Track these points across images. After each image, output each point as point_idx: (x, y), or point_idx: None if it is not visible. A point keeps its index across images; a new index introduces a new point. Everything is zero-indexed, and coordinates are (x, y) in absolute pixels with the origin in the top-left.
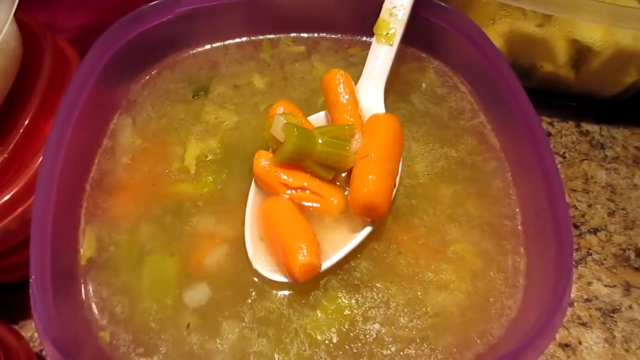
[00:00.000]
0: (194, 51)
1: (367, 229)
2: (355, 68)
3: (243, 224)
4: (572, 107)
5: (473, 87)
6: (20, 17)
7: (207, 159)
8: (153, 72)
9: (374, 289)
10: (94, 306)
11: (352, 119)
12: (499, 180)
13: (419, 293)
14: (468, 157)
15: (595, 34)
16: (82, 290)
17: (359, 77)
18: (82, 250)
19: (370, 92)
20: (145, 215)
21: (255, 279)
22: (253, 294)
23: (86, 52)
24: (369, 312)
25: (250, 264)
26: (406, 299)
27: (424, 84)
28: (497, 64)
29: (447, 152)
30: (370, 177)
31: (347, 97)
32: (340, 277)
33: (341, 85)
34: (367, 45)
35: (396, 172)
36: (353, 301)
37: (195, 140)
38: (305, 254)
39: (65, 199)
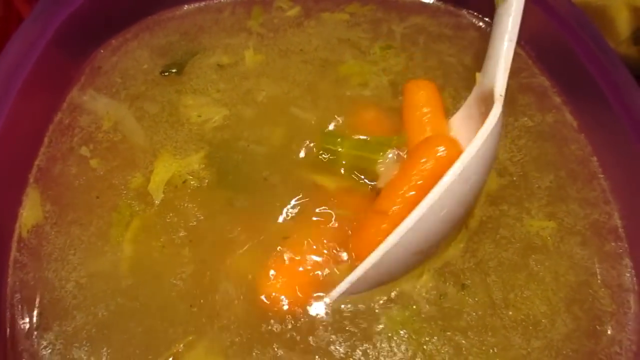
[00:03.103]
0: (180, 11)
1: None
2: (359, 29)
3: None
4: None
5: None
6: None
7: (186, 184)
8: (127, 35)
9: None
10: None
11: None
12: (583, 164)
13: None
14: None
15: None
16: None
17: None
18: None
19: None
20: (88, 236)
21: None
22: None
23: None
24: None
25: None
26: None
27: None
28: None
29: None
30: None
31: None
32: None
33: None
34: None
35: None
36: None
37: (171, 153)
38: None
39: None
